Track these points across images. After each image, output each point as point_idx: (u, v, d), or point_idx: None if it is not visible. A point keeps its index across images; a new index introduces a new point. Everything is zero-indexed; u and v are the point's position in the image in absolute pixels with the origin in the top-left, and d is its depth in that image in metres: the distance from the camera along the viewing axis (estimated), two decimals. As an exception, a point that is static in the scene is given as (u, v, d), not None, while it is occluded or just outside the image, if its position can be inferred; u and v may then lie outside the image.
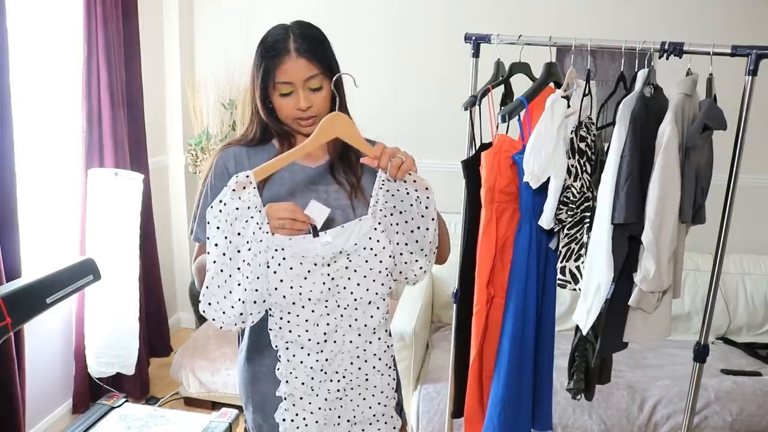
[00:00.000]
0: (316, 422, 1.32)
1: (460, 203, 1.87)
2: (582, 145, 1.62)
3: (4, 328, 1.73)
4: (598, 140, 1.67)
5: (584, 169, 1.63)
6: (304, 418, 1.31)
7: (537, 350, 1.80)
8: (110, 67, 2.68)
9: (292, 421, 1.31)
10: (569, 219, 1.65)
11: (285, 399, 1.31)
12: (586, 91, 1.64)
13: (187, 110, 3.48)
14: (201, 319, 3.50)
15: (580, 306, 1.68)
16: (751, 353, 2.86)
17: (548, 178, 1.64)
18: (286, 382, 1.30)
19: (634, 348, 2.71)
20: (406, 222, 1.30)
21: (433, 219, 1.30)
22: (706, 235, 2.02)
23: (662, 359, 2.77)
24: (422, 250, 1.32)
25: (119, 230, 2.60)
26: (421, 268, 1.34)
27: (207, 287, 1.22)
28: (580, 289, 1.68)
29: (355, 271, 1.26)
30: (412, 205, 1.28)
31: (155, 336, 3.22)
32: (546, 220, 1.67)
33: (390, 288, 1.30)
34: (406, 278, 1.35)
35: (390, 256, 1.28)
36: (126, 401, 2.30)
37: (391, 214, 1.30)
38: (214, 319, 1.24)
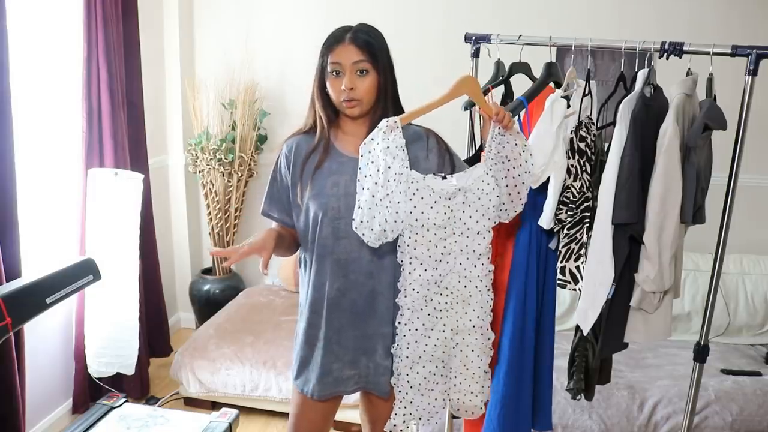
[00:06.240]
0: (424, 326, 1.58)
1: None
2: (582, 145, 1.62)
3: (4, 328, 1.73)
4: (598, 140, 1.67)
5: (584, 169, 1.63)
6: (413, 323, 1.58)
7: (537, 350, 1.80)
8: (110, 67, 2.68)
9: (405, 324, 1.58)
10: (569, 219, 1.65)
11: (402, 307, 1.57)
12: (586, 91, 1.64)
13: (187, 110, 3.48)
14: (201, 319, 3.50)
15: (580, 306, 1.68)
16: (750, 353, 2.86)
17: (548, 178, 1.65)
18: (405, 294, 1.56)
19: (634, 348, 2.71)
20: (513, 168, 1.54)
21: (530, 170, 1.55)
22: (706, 235, 2.02)
23: (662, 359, 2.77)
24: (519, 193, 1.57)
25: (119, 230, 2.60)
26: (515, 210, 1.59)
27: (360, 208, 1.50)
28: (580, 289, 1.68)
29: (469, 206, 1.54)
30: (520, 154, 1.54)
31: (155, 336, 3.21)
32: (546, 220, 1.67)
33: (495, 222, 1.57)
34: (507, 215, 1.59)
35: (497, 196, 1.55)
36: (126, 401, 2.29)
37: (502, 162, 1.54)
38: (363, 234, 1.51)
